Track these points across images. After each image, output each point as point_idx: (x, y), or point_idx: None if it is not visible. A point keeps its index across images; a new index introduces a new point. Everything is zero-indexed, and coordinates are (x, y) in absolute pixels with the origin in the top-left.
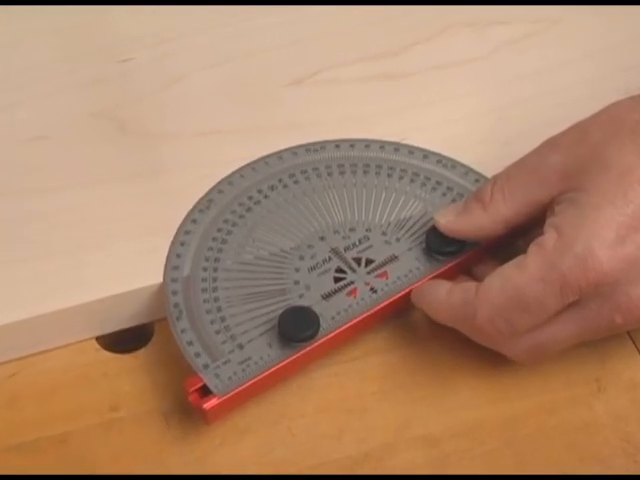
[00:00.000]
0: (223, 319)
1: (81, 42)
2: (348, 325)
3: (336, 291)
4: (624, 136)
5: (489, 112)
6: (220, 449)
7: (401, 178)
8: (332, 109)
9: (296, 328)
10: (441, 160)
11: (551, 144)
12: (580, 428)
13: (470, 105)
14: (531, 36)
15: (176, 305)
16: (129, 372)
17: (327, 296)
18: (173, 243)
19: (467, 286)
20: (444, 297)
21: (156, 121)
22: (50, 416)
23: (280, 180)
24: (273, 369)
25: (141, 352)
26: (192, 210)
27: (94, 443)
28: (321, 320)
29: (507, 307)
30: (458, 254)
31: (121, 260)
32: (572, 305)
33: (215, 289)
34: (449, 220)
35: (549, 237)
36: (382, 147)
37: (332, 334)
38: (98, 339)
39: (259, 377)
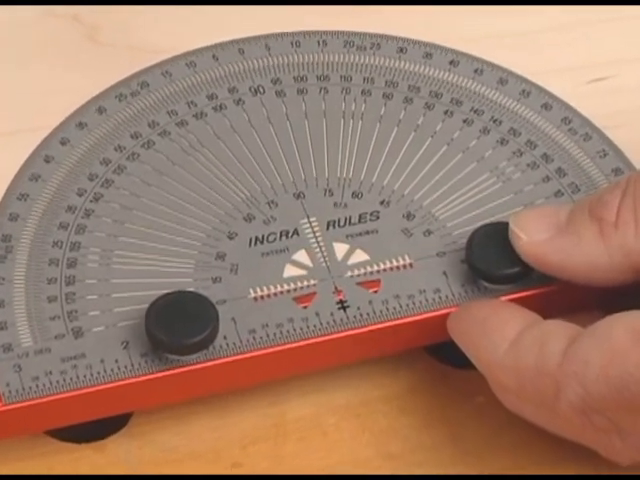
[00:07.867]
0: (70, 281)
1: None
2: (273, 350)
3: (280, 289)
4: None
5: None
6: None
7: (485, 132)
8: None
9: (174, 329)
10: (570, 120)
11: None
12: None
13: None
14: None
15: (6, 238)
16: (90, 473)
17: (261, 294)
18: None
19: (548, 342)
20: (505, 350)
21: (143, 28)
22: None
23: (258, 87)
24: (115, 385)
25: (110, 441)
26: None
27: None
28: (233, 329)
29: (610, 402)
30: (519, 284)
31: None
32: None
33: (81, 229)
34: (536, 239)
35: None
36: (461, 65)
37: (237, 357)
38: None
39: (86, 391)
